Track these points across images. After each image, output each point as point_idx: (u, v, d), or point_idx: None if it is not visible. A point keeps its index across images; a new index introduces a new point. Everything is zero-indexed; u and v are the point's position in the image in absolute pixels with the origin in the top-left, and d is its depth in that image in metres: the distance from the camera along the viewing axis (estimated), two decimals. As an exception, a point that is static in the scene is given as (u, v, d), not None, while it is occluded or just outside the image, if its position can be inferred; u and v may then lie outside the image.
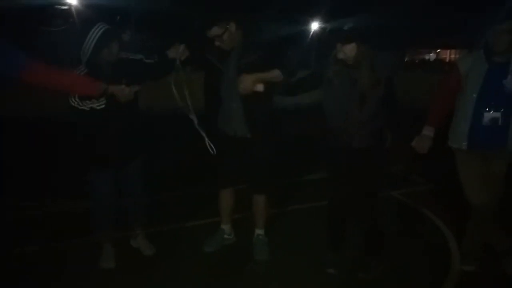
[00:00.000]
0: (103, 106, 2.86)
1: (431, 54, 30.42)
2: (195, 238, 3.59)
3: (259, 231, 3.43)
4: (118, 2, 11.79)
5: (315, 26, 15.81)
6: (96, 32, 2.77)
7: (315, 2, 15.17)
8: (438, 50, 30.29)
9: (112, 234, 3.25)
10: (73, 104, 2.85)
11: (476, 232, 3.12)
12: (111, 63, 2.87)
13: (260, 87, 2.98)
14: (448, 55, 30.29)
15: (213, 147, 3.14)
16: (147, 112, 3.26)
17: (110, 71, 2.86)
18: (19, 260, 3.19)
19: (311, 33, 16.00)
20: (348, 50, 2.75)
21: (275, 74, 2.97)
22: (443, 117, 3.03)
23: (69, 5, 14.55)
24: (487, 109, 2.85)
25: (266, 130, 3.14)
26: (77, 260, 3.23)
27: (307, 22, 14.96)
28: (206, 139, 3.15)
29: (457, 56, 27.21)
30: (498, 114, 2.83)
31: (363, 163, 2.92)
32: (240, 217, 3.67)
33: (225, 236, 3.51)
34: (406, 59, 26.91)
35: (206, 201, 3.67)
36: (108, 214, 3.17)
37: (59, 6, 14.23)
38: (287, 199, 4.51)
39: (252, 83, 2.95)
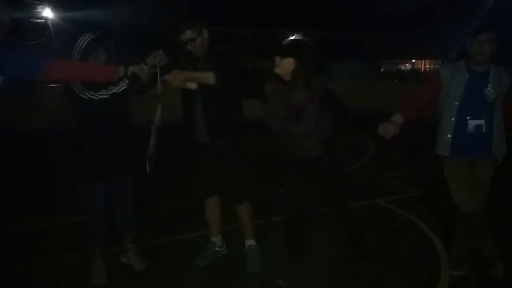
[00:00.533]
0: (125, 87, 2.88)
1: (407, 65, 31.06)
2: (186, 252, 3.55)
3: (249, 242, 3.39)
4: (96, 15, 11.71)
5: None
6: (82, 41, 2.86)
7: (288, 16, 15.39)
8: (414, 61, 30.95)
9: (104, 249, 3.21)
10: (86, 97, 2.85)
11: (464, 237, 3.17)
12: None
13: (193, 86, 2.94)
14: (423, 65, 30.99)
15: (149, 164, 2.96)
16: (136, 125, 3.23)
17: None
18: (10, 277, 3.11)
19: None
20: (286, 65, 2.72)
21: (207, 76, 2.92)
22: (416, 111, 3.03)
23: (45, 18, 14.38)
24: (470, 117, 2.92)
25: (234, 138, 3.15)
26: (68, 277, 3.18)
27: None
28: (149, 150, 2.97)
29: (433, 66, 27.89)
30: (482, 122, 2.91)
31: (318, 173, 2.93)
32: (231, 228, 3.66)
33: (217, 248, 3.49)
34: (382, 69, 27.45)
35: (195, 214, 3.63)
36: (101, 228, 3.15)
37: (35, 20, 14.03)
38: (271, 210, 4.47)
39: (183, 80, 2.92)
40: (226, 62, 3.07)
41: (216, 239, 3.49)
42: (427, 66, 30.45)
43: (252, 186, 3.35)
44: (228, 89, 3.02)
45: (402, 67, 30.78)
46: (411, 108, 3.05)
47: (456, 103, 2.95)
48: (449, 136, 2.99)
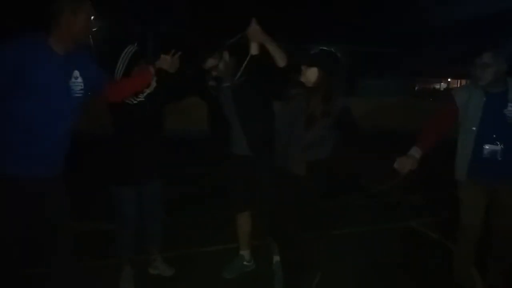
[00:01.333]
0: (155, 84, 3.01)
1: (442, 83, 30.47)
2: (213, 263, 3.55)
3: (277, 258, 3.36)
4: (133, 27, 12.03)
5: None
6: (128, 52, 2.99)
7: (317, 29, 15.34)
8: (449, 80, 30.35)
9: (132, 256, 3.26)
10: (130, 102, 2.99)
11: (460, 263, 3.15)
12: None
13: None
14: (458, 84, 30.34)
15: None
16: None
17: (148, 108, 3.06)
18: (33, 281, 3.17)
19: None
20: (309, 74, 2.76)
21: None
22: (432, 142, 2.94)
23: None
24: (487, 142, 2.84)
25: (267, 149, 3.12)
26: (96, 283, 3.20)
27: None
28: None
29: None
30: (497, 147, 2.82)
31: (296, 191, 2.87)
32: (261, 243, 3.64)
33: (245, 262, 3.48)
34: (416, 87, 26.97)
35: (223, 226, 3.64)
36: (131, 236, 3.20)
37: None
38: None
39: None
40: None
41: (245, 253, 3.49)
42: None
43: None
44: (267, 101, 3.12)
45: (437, 86, 30.21)
46: (429, 140, 2.94)
47: (474, 128, 2.87)
48: (466, 161, 2.92)
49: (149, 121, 3.12)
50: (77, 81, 2.36)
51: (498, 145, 2.81)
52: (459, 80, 30.22)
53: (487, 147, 2.83)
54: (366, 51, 15.53)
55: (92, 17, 2.34)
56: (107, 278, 3.24)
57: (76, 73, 2.36)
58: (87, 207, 4.62)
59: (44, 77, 2.22)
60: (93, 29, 2.38)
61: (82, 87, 2.39)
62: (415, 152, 2.88)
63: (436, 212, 5.17)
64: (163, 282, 3.31)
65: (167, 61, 2.90)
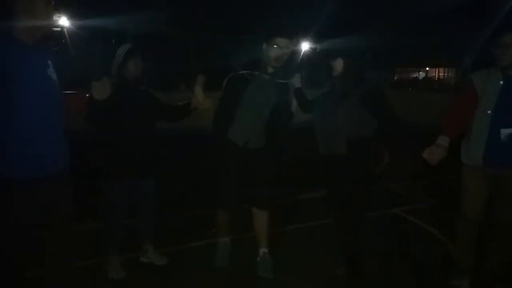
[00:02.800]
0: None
1: (420, 73, 30.85)
2: (206, 256, 3.58)
3: (264, 249, 3.39)
4: (112, 24, 11.87)
5: (305, 47, 16.00)
6: (124, 48, 3.23)
7: (306, 25, 15.43)
8: (427, 69, 30.74)
9: (119, 248, 3.31)
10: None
11: (464, 247, 3.11)
12: (134, 78, 3.22)
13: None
14: (437, 73, 30.78)
15: None
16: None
17: (133, 84, 3.22)
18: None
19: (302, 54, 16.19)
20: (337, 65, 3.14)
21: None
22: (458, 129, 2.87)
23: (62, 27, 14.60)
24: (503, 126, 2.76)
25: (277, 143, 3.29)
26: (86, 278, 3.19)
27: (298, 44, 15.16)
28: None
29: (447, 74, 27.64)
30: None
31: (340, 171, 3.11)
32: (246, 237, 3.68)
33: (229, 248, 3.53)
34: (396, 78, 27.28)
35: (213, 220, 3.67)
36: (118, 232, 3.27)
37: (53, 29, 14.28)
38: (288, 218, 4.50)
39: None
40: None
41: (227, 239, 3.54)
42: (441, 74, 30.24)
43: (275, 195, 3.42)
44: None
45: (416, 75, 30.60)
46: (455, 127, 2.85)
47: (489, 111, 2.79)
48: (481, 146, 2.83)
49: (139, 118, 3.18)
50: (53, 71, 2.29)
51: None
52: (437, 69, 30.70)
53: (504, 130, 2.75)
54: (345, 44, 15.64)
55: (51, 2, 2.28)
56: (96, 274, 3.26)
57: (50, 63, 2.29)
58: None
59: (23, 69, 2.14)
60: (53, 15, 2.33)
61: (56, 77, 2.31)
62: (443, 141, 2.77)
63: (418, 200, 5.26)
64: (155, 270, 3.36)
65: (96, 88, 2.73)
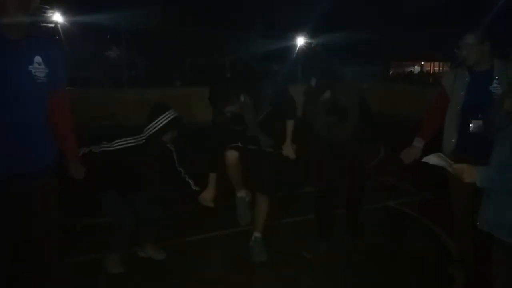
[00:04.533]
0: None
1: (416, 67, 30.90)
2: (207, 250, 3.70)
3: (257, 234, 3.52)
4: (107, 20, 11.83)
5: (301, 42, 15.97)
6: (168, 116, 3.19)
7: (297, 19, 15.40)
8: (422, 63, 30.79)
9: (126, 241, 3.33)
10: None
11: (459, 240, 3.19)
12: (160, 145, 3.27)
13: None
14: (432, 67, 30.83)
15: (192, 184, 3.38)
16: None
17: (156, 151, 3.27)
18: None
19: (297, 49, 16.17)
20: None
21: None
22: (433, 131, 3.11)
23: (55, 23, 14.52)
24: (473, 118, 2.87)
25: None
26: (84, 273, 3.26)
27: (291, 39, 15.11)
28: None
29: (442, 68, 27.71)
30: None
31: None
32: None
33: (247, 199, 3.63)
34: (391, 72, 27.30)
35: (215, 214, 3.71)
36: (128, 232, 3.27)
37: (45, 24, 14.17)
38: (284, 211, 4.52)
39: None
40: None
41: (244, 193, 3.62)
42: (436, 68, 30.29)
43: (278, 186, 3.55)
44: None
45: (411, 69, 30.64)
46: (429, 129, 3.10)
47: (459, 107, 2.94)
48: (452, 140, 2.98)
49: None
50: (40, 67, 2.23)
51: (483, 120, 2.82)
52: (432, 63, 30.75)
53: (474, 121, 2.86)
54: (340, 38, 15.64)
55: None
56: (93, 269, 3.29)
57: (38, 58, 2.22)
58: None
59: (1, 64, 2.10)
60: (39, 10, 2.27)
61: (45, 74, 2.25)
62: (418, 143, 3.06)
63: (413, 193, 5.29)
64: (154, 265, 3.41)
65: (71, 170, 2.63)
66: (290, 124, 3.41)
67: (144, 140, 3.19)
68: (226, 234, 3.86)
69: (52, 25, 14.77)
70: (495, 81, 2.86)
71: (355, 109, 3.24)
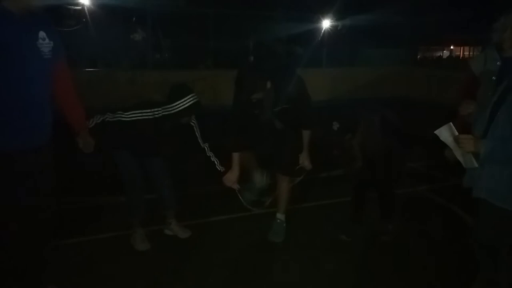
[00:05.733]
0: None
1: (445, 51, 30.07)
2: (227, 231, 3.78)
3: (279, 215, 3.61)
4: (132, 2, 11.84)
5: (326, 24, 15.70)
6: (189, 100, 3.13)
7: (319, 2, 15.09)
8: (452, 47, 29.93)
9: (143, 218, 3.42)
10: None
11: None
12: (176, 125, 3.22)
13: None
14: (461, 51, 29.95)
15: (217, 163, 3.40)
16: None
17: (169, 131, 3.24)
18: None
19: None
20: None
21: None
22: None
23: (82, 5, 14.64)
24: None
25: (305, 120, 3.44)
26: (109, 250, 3.39)
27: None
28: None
29: (473, 52, 26.90)
30: None
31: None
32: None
33: (264, 179, 3.73)
34: (419, 56, 26.65)
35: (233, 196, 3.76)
36: (140, 199, 3.36)
37: (71, 6, 14.29)
38: (307, 195, 4.53)
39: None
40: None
41: (257, 174, 3.70)
42: (466, 53, 29.40)
43: (298, 170, 3.61)
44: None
45: (440, 54, 29.83)
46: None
47: (489, 93, 2.78)
48: (483, 128, 2.84)
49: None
50: (45, 42, 2.26)
51: None
52: (462, 47, 29.84)
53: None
54: (366, 21, 15.29)
55: None
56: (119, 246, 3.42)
57: (42, 34, 2.25)
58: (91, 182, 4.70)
59: (8, 38, 2.11)
60: None
61: (51, 49, 2.28)
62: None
63: (441, 179, 5.20)
64: (179, 243, 3.50)
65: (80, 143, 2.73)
66: (306, 134, 3.41)
67: (161, 114, 3.14)
68: (250, 215, 3.89)
69: (79, 7, 14.93)
70: None
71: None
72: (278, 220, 3.63)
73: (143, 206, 3.40)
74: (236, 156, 3.42)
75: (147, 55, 11.77)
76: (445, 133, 2.30)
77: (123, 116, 3.12)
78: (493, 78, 2.84)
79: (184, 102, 3.11)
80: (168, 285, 2.99)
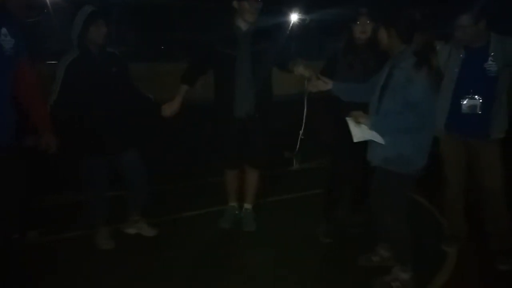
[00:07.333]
0: None
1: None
2: (199, 226, 3.73)
3: (247, 205, 3.66)
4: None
5: (294, 18, 15.74)
6: (84, 11, 2.93)
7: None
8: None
9: (106, 218, 3.32)
10: None
11: (452, 214, 3.26)
12: (100, 46, 2.99)
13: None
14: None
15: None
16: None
17: (99, 55, 2.98)
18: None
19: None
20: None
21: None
22: None
23: (43, -5, 14.15)
24: (465, 97, 2.87)
25: (269, 111, 3.44)
26: (75, 250, 3.27)
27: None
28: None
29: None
30: (476, 102, 2.85)
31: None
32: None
33: (236, 212, 3.69)
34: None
35: (206, 190, 3.71)
36: (102, 204, 3.25)
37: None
38: (277, 189, 4.55)
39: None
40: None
41: (235, 204, 3.70)
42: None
43: (268, 161, 3.63)
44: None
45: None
46: None
47: (451, 83, 2.90)
48: (444, 117, 2.96)
49: (113, 90, 3.05)
50: (7, 39, 2.22)
51: (477, 99, 2.84)
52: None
53: (465, 101, 2.86)
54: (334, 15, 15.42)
55: None
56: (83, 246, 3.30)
57: (4, 30, 2.21)
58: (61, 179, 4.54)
59: None
60: None
61: (12, 46, 2.24)
62: None
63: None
64: (145, 241, 3.41)
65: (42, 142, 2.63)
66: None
67: (78, 50, 2.99)
68: (218, 210, 3.86)
69: (40, -3, 14.40)
70: (490, 58, 2.81)
71: None
72: (248, 210, 3.68)
73: (105, 204, 3.29)
74: (183, 88, 3.41)
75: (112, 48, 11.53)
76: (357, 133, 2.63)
77: (55, 83, 2.97)
78: (456, 70, 2.92)
79: (79, 16, 2.94)
80: (131, 282, 2.91)
